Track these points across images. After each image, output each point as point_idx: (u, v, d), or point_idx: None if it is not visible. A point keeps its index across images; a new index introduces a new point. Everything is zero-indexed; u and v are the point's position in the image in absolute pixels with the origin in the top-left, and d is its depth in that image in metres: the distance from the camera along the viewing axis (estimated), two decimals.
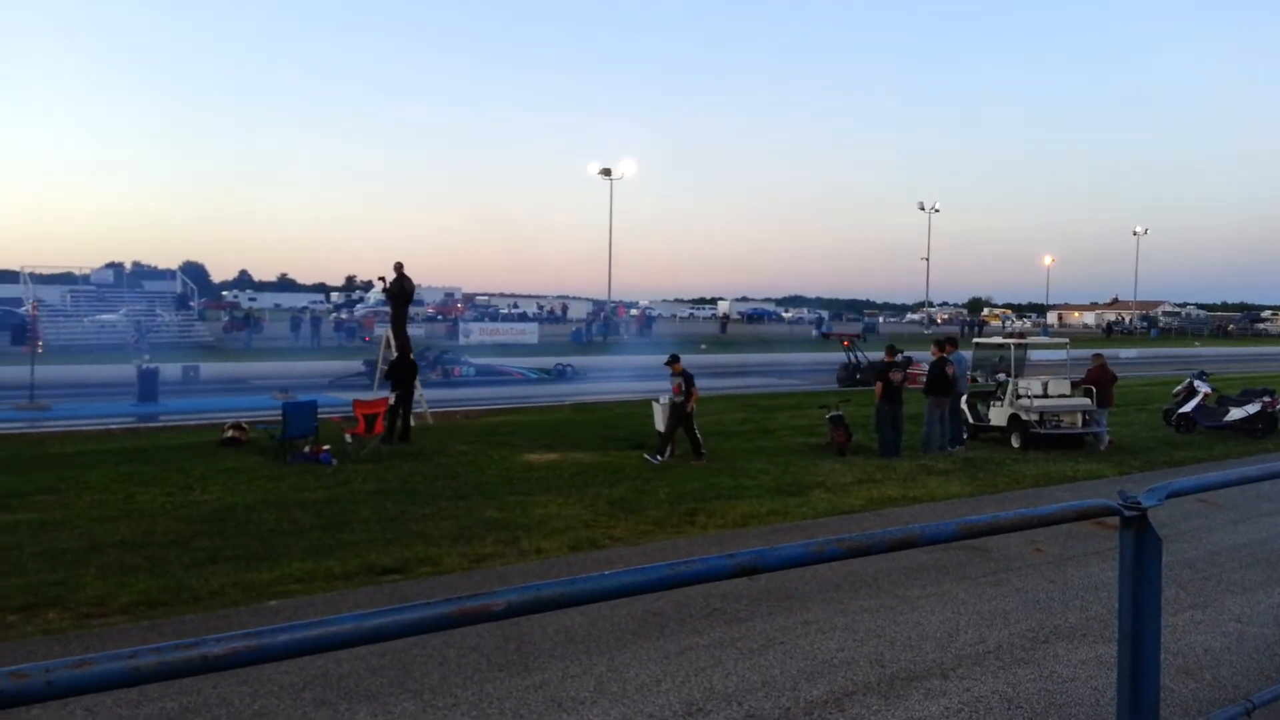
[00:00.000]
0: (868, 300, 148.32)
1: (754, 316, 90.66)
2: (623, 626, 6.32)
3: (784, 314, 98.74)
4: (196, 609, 6.86)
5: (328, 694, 5.20)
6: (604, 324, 61.91)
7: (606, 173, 62.46)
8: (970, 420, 16.29)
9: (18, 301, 46.44)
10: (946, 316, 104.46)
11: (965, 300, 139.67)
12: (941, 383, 14.99)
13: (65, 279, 53.69)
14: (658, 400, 14.85)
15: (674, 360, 14.60)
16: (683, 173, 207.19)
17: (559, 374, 32.21)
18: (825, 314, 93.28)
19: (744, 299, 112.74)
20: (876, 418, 14.81)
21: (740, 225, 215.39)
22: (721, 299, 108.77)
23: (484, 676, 5.47)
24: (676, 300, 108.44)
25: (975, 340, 18.71)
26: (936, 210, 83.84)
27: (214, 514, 10.01)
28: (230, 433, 15.06)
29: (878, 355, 32.41)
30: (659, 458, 13.62)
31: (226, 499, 10.81)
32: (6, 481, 11.65)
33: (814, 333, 70.02)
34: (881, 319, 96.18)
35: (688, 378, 14.26)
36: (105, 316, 46.49)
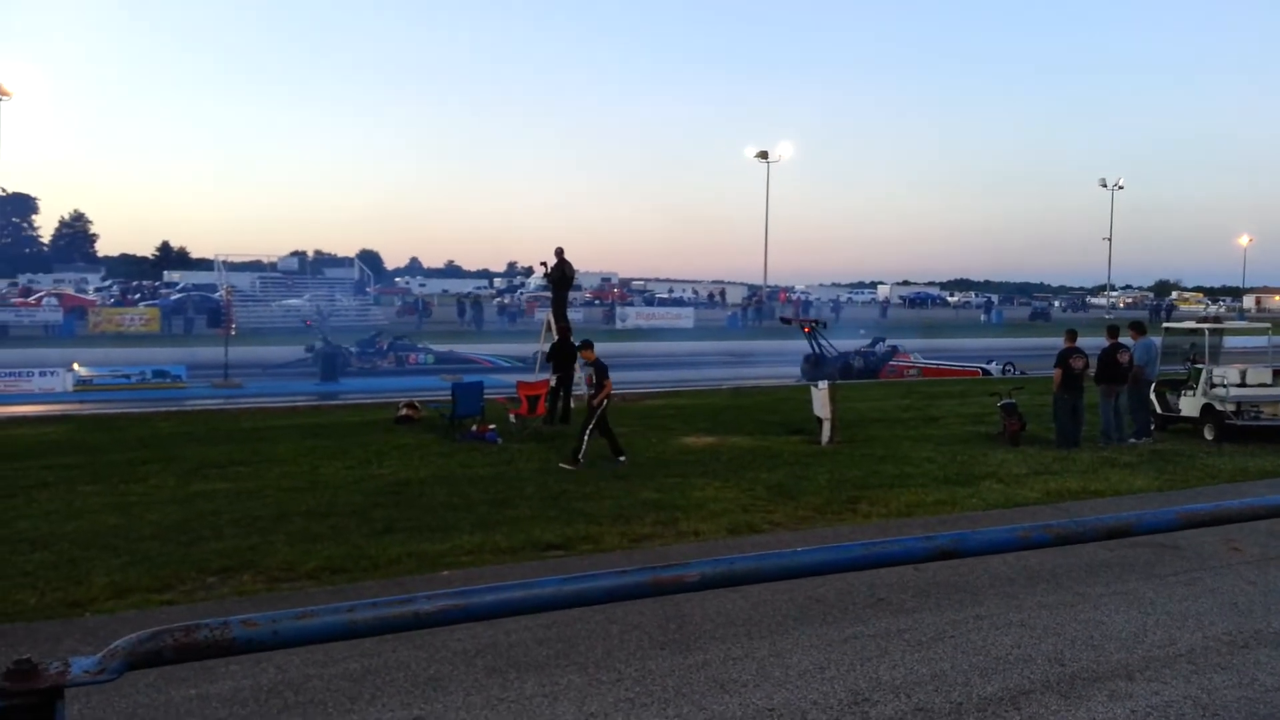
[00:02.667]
0: (1041, 283, 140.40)
1: (917, 301, 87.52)
2: (784, 611, 6.24)
3: (949, 298, 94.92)
4: (375, 576, 7.23)
5: (497, 662, 5.36)
6: (757, 309, 61.46)
7: (763, 156, 61.87)
8: (1158, 410, 15.23)
9: (212, 288, 50.29)
10: (1131, 300, 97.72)
11: (1151, 283, 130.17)
12: (1112, 370, 14.08)
13: (254, 267, 57.79)
14: (816, 385, 14.58)
15: (585, 346, 13.03)
16: (842, 153, 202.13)
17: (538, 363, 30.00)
18: (995, 298, 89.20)
19: (905, 283, 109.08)
20: (1055, 406, 14.05)
21: (903, 206, 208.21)
22: (881, 283, 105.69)
23: (646, 654, 5.51)
24: (834, 284, 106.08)
25: (1165, 325, 17.46)
26: (1120, 187, 78.71)
27: (390, 487, 10.53)
28: (404, 411, 15.79)
29: (847, 345, 28.77)
30: (579, 460, 11.84)
31: (401, 473, 11.35)
32: (205, 453, 12.62)
33: (982, 317, 67.29)
34: (1057, 303, 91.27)
35: (600, 368, 12.44)
36: (291, 301, 49.79)
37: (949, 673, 5.30)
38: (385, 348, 29.17)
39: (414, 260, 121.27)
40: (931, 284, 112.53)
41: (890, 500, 9.89)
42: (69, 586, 6.84)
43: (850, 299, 74.92)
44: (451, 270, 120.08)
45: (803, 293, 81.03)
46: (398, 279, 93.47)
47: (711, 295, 78.85)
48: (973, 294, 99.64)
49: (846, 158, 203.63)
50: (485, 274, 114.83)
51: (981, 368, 27.63)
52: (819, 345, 27.06)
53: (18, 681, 1.09)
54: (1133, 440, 14.05)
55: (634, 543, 8.30)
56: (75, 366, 24.56)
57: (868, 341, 29.24)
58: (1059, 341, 14.54)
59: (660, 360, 32.49)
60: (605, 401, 12.29)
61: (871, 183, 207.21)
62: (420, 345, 30.62)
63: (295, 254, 65.09)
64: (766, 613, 6.21)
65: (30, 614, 6.36)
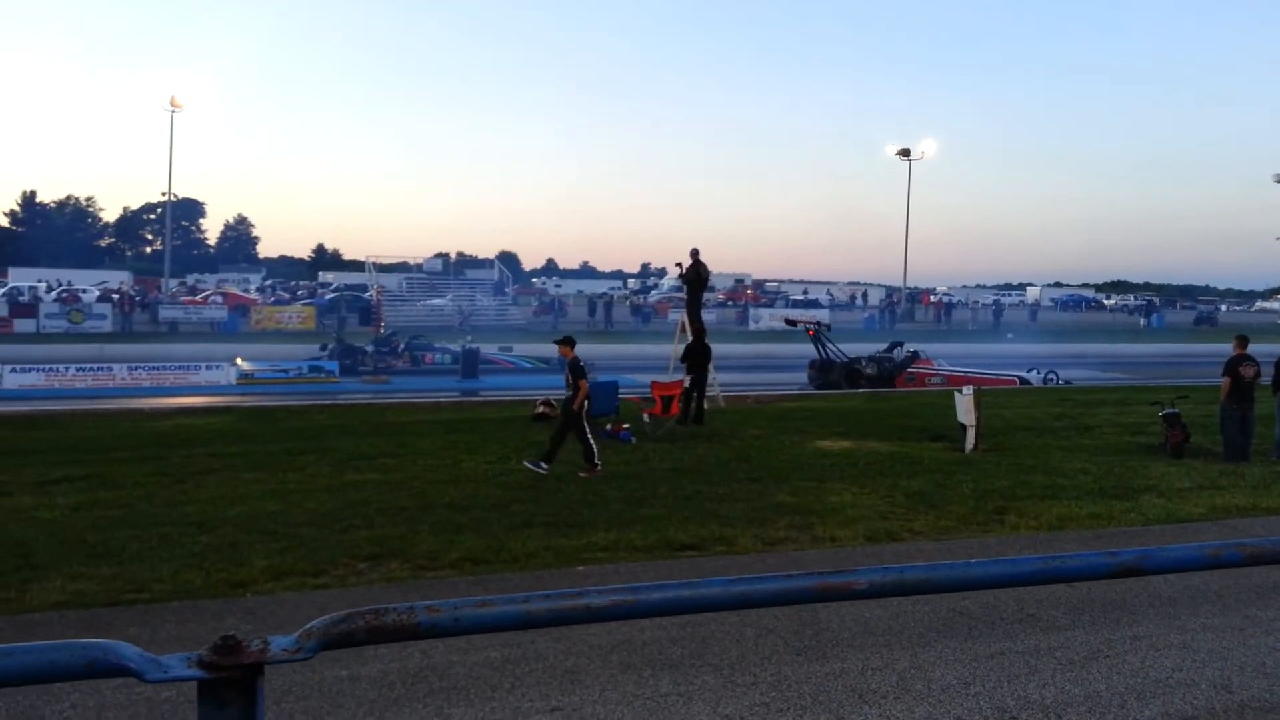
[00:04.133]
0: (1205, 286, 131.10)
1: (1069, 303, 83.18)
2: (926, 623, 6.06)
3: (1105, 301, 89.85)
4: (515, 568, 7.40)
5: (633, 659, 5.40)
6: (892, 310, 59.99)
7: (905, 154, 60.30)
8: None
9: (363, 288, 52.74)
10: None
11: None
12: None
13: (401, 268, 60.23)
14: (960, 391, 14.10)
15: (564, 343, 12.10)
16: (988, 149, 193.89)
17: (562, 363, 28.13)
18: (1156, 300, 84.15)
19: (1057, 284, 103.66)
20: (1221, 417, 13.16)
21: (1054, 204, 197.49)
22: (1031, 284, 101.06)
23: (781, 659, 5.45)
24: (978, 285, 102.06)
25: None
26: None
27: (528, 482, 10.76)
28: (540, 408, 16.11)
29: (856, 350, 26.52)
30: (543, 466, 11.11)
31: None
32: (356, 445, 13.21)
33: (1142, 322, 63.67)
34: (1224, 307, 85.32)
35: (576, 368, 11.67)
36: (434, 301, 51.73)
37: (1103, 694, 5.03)
38: (401, 347, 29.20)
39: (550, 261, 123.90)
40: (1086, 286, 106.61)
41: (1040, 513, 9.45)
42: (231, 568, 7.26)
43: (996, 301, 71.79)
44: (586, 271, 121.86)
45: (945, 294, 78.56)
46: (534, 280, 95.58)
47: (853, 297, 77.06)
48: (1131, 296, 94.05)
49: (993, 153, 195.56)
50: (619, 274, 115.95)
51: (1019, 376, 25.22)
52: (824, 349, 25.29)
53: (224, 656, 1.16)
54: None
55: (768, 546, 8.22)
56: (238, 361, 26.20)
57: (884, 346, 26.99)
58: (1227, 348, 13.64)
59: (794, 362, 32.05)
60: (585, 404, 11.64)
61: (1020, 179, 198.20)
62: (438, 345, 30.48)
63: (439, 255, 67.47)
64: (907, 623, 6.04)
65: (197, 592, 6.78)
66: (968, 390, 13.72)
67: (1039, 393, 22.36)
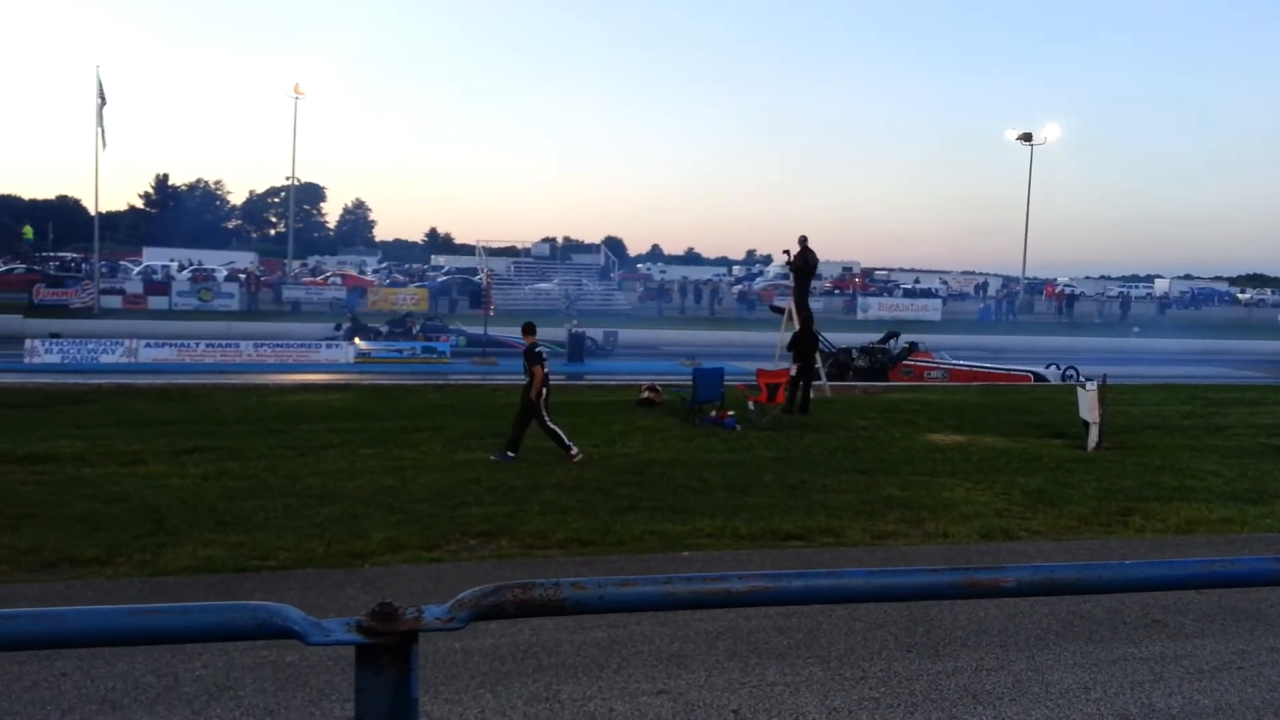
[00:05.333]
0: None
1: (1200, 297, 78.74)
2: (1044, 625, 5.86)
3: (1240, 295, 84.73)
4: (620, 551, 7.46)
5: (739, 647, 5.38)
6: (1010, 302, 57.98)
7: (1026, 138, 58.11)
8: None
9: (473, 271, 53.94)
10: None
11: None
12: None
13: (510, 252, 61.39)
14: (1082, 386, 13.54)
15: (525, 329, 11.94)
16: (1114, 135, 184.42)
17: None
18: None
19: (1188, 276, 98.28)
20: None
21: (1185, 193, 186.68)
22: (1159, 276, 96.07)
23: (891, 654, 5.35)
24: (1103, 277, 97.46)
25: None
26: None
27: (633, 466, 10.83)
28: (646, 393, 16.19)
29: (846, 339, 25.05)
30: (509, 455, 11.08)
31: (643, 454, 11.65)
32: (466, 424, 13.51)
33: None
34: None
35: (531, 355, 11.34)
36: (541, 285, 52.56)
37: (1236, 706, 4.78)
38: (416, 329, 29.36)
39: (655, 247, 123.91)
40: (1218, 279, 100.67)
41: (1168, 515, 9.01)
42: (351, 539, 7.53)
43: (1123, 293, 68.47)
44: (691, 257, 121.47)
45: (1067, 285, 75.53)
46: (640, 265, 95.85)
47: (978, 287, 74.51)
48: (1269, 290, 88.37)
49: (1119, 140, 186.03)
50: (724, 261, 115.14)
51: (1034, 372, 23.42)
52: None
53: (382, 622, 1.20)
54: None
55: (877, 540, 8.07)
56: (356, 340, 27.14)
57: (879, 337, 25.27)
58: None
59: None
60: (544, 392, 11.30)
61: (1149, 166, 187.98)
62: (453, 327, 30.55)
63: (546, 240, 68.46)
64: (1024, 624, 5.85)
65: (318, 561, 7.06)
66: (1092, 385, 13.16)
67: (1168, 390, 21.28)
